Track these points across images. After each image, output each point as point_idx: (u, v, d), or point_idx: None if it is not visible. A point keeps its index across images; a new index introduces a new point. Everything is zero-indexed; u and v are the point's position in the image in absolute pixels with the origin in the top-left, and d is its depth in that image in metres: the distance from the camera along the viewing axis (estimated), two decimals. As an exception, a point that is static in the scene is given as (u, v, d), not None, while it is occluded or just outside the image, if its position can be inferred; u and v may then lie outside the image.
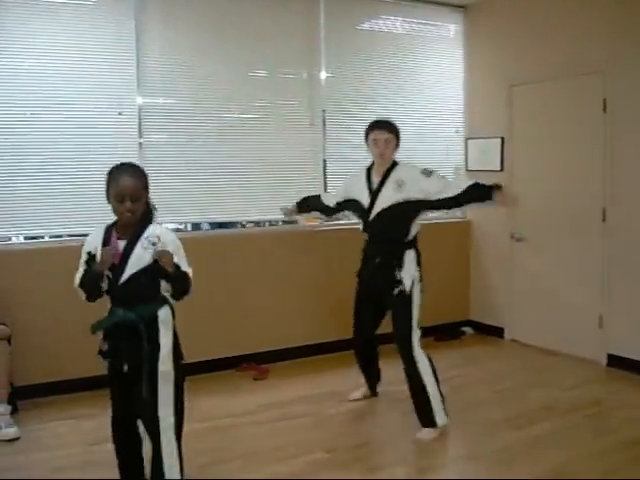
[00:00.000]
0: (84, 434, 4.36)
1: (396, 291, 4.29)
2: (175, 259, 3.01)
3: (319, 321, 6.03)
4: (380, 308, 4.53)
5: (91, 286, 3.09)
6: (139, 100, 5.35)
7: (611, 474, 3.69)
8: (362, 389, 4.93)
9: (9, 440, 4.24)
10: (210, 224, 5.97)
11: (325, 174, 6.24)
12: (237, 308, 5.71)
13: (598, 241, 5.69)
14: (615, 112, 5.51)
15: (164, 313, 3.13)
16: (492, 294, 6.79)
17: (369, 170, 4.53)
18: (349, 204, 4.66)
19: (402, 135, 6.80)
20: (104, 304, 3.17)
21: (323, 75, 6.17)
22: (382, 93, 6.53)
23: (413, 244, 4.39)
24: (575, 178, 5.87)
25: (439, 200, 4.32)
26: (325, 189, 6.18)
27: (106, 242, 3.07)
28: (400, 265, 4.29)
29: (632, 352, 5.46)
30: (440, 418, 4.20)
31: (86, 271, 3.09)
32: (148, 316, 3.06)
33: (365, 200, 4.43)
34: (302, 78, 6.11)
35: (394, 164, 4.45)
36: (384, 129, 4.44)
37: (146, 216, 3.13)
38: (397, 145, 4.51)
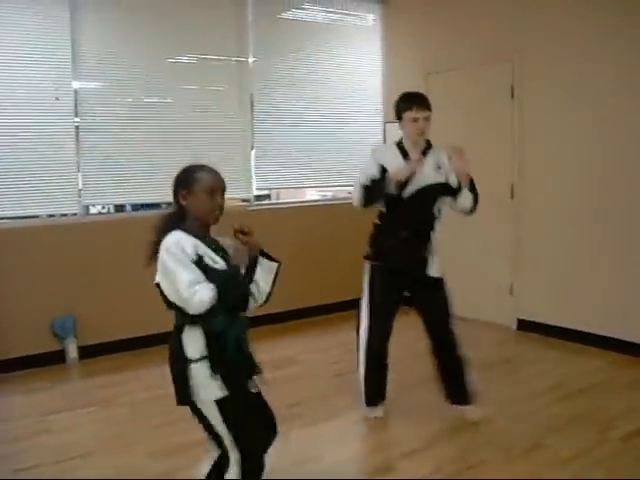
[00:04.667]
0: (38, 406, 4.56)
1: (433, 273, 4.10)
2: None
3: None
4: (400, 296, 4.21)
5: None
6: (75, 84, 5.49)
7: (532, 416, 4.22)
8: (380, 407, 4.34)
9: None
10: (132, 205, 6.19)
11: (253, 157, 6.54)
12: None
13: (508, 216, 6.22)
14: (522, 98, 6.03)
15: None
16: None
17: (400, 146, 4.09)
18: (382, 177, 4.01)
19: (325, 120, 7.20)
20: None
21: (251, 60, 6.43)
22: (306, 79, 6.87)
23: (435, 228, 4.15)
24: (486, 159, 6.33)
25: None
26: (253, 171, 6.49)
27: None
28: (427, 247, 4.10)
29: (539, 316, 6.02)
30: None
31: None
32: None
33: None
34: (231, 63, 6.35)
35: (430, 144, 4.12)
36: (425, 106, 3.99)
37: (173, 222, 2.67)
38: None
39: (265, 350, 5.09)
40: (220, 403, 2.59)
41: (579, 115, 5.62)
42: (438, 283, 4.16)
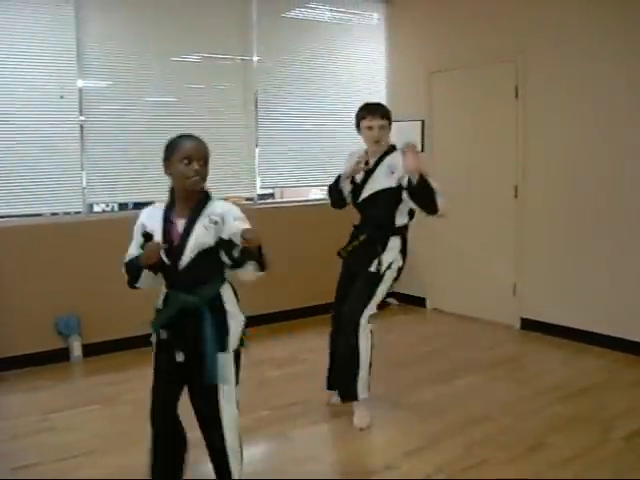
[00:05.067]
0: (41, 404, 4.57)
1: (371, 268, 4.10)
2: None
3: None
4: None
5: (132, 275, 2.85)
6: (80, 83, 5.50)
7: (534, 415, 4.22)
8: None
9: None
10: (135, 204, 6.22)
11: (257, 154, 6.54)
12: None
13: (511, 216, 6.22)
14: (525, 98, 6.02)
15: (228, 293, 2.89)
16: (415, 266, 7.17)
17: (366, 151, 4.23)
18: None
19: (329, 119, 7.20)
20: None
21: (255, 59, 6.43)
22: (311, 78, 6.86)
23: (400, 232, 4.19)
24: (490, 158, 6.36)
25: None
26: (257, 170, 6.50)
27: (167, 220, 2.82)
28: (383, 249, 4.11)
29: (542, 315, 6.01)
30: (362, 393, 4.12)
31: (135, 257, 2.81)
32: (211, 297, 2.81)
33: (359, 181, 4.21)
34: (235, 62, 6.35)
35: (392, 148, 4.19)
36: (378, 115, 4.12)
37: (205, 191, 2.85)
38: (390, 129, 4.22)
39: (267, 348, 5.14)
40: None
41: (583, 115, 5.61)
42: (374, 275, 4.12)
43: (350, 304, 4.16)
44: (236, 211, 2.81)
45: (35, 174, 5.32)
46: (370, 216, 4.22)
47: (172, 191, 2.86)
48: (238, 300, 2.93)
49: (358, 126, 4.22)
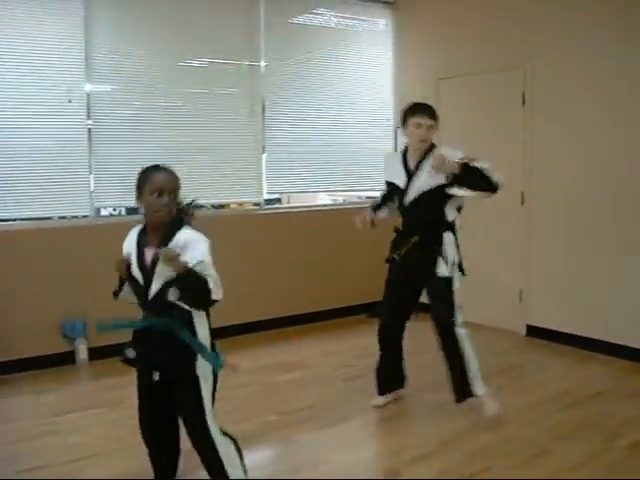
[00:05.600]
0: (47, 406, 4.59)
1: (438, 272, 4.18)
2: (190, 262, 2.73)
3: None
4: (415, 293, 4.43)
5: (118, 286, 3.06)
6: (87, 87, 5.53)
7: (539, 422, 4.22)
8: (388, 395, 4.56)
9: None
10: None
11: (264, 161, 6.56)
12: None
13: (517, 223, 6.22)
14: (533, 105, 6.03)
15: (198, 314, 2.95)
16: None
17: (405, 153, 4.27)
18: (390, 189, 4.38)
19: (336, 124, 7.22)
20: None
21: (262, 65, 6.45)
22: (318, 83, 6.88)
23: (452, 227, 4.26)
24: (496, 165, 6.30)
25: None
26: (263, 175, 6.52)
27: (139, 245, 2.94)
28: (439, 247, 4.18)
29: (548, 323, 6.01)
30: (479, 389, 4.22)
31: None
32: (183, 321, 2.89)
33: (402, 184, 4.22)
34: (242, 67, 6.38)
35: (432, 147, 4.19)
36: (428, 115, 4.13)
37: (175, 221, 2.91)
38: (437, 130, 4.24)
39: (274, 353, 5.16)
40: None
41: (590, 122, 5.61)
42: (445, 279, 4.24)
43: (438, 310, 4.27)
44: (198, 243, 2.86)
45: (43, 178, 5.36)
46: (419, 217, 4.23)
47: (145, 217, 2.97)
48: (210, 326, 3.04)
49: (404, 123, 4.20)
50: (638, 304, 5.34)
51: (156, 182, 2.84)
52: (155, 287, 2.85)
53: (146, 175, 2.89)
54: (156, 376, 2.94)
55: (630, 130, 5.34)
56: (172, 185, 2.87)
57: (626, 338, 5.42)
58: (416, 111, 4.15)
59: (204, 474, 3.05)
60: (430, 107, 4.20)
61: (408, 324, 4.47)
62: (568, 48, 5.72)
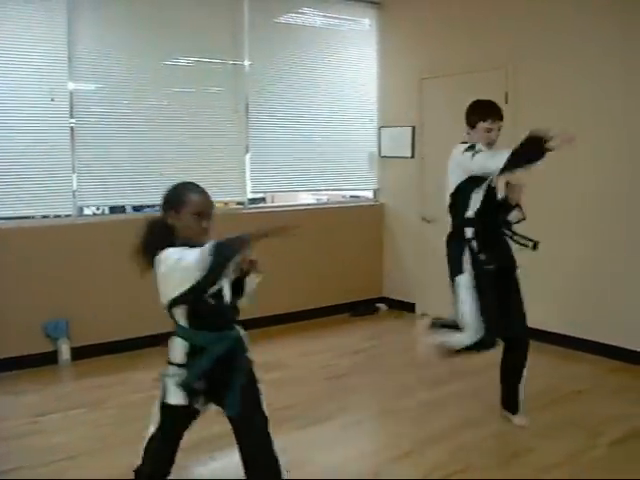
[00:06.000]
0: (29, 406, 4.57)
1: (517, 272, 4.19)
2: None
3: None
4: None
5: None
6: (70, 86, 5.50)
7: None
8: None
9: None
10: (133, 207, 6.20)
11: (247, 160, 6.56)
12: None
13: (500, 222, 6.23)
14: (516, 104, 6.05)
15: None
16: (404, 272, 7.27)
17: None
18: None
19: (320, 124, 7.21)
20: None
21: (247, 64, 6.44)
22: (302, 83, 6.88)
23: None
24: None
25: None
26: (247, 174, 6.52)
27: None
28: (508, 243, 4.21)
29: (530, 322, 6.00)
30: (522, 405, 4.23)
31: None
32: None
33: (494, 184, 4.17)
34: (227, 66, 6.37)
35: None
36: (498, 117, 4.04)
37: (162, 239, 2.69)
38: None
39: (255, 353, 5.12)
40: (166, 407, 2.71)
41: (574, 120, 5.63)
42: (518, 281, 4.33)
43: (520, 321, 4.33)
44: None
45: (25, 176, 5.33)
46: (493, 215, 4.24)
47: (169, 231, 2.71)
48: None
49: (473, 125, 4.11)
50: (621, 304, 5.39)
51: (198, 205, 2.68)
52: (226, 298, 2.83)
53: (185, 193, 2.72)
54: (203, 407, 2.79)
55: (614, 128, 5.39)
56: (211, 208, 2.75)
57: (608, 337, 5.46)
58: (487, 116, 4.03)
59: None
60: (498, 107, 4.08)
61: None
62: (550, 47, 5.76)
